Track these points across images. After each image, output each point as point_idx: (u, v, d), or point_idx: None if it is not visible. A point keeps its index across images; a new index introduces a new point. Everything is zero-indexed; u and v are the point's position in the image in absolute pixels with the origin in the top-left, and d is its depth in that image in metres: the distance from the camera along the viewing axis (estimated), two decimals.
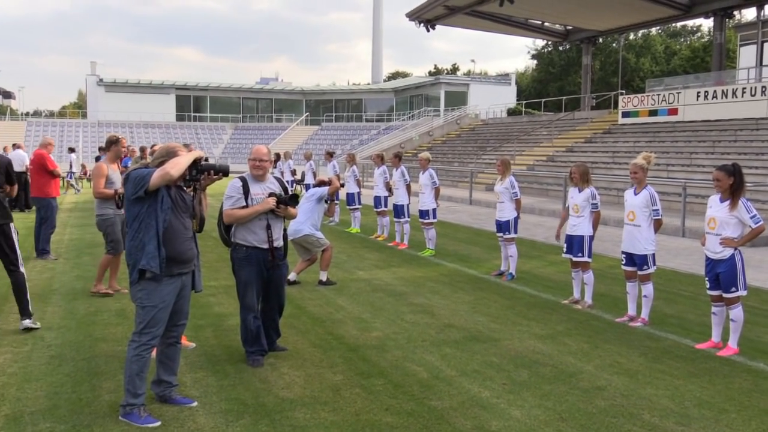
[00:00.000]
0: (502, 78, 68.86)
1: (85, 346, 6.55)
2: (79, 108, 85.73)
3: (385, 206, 14.80)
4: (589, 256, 8.58)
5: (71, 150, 29.87)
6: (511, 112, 51.99)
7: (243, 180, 6.10)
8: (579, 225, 8.56)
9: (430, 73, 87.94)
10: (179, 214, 4.83)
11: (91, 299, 8.55)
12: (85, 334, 6.99)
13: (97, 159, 22.21)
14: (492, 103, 51.21)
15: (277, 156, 23.26)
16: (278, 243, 6.18)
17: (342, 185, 10.37)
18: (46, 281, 9.75)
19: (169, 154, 4.80)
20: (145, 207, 4.67)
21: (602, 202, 8.85)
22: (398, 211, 13.74)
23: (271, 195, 6.09)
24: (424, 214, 12.82)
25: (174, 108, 65.72)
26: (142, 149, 10.88)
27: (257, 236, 6.06)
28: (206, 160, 5.37)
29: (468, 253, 12.97)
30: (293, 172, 23.29)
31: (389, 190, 14.38)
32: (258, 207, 6.01)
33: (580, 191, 8.59)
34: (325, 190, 9.72)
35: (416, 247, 13.36)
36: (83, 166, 34.93)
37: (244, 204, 6.02)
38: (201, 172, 4.97)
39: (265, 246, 6.07)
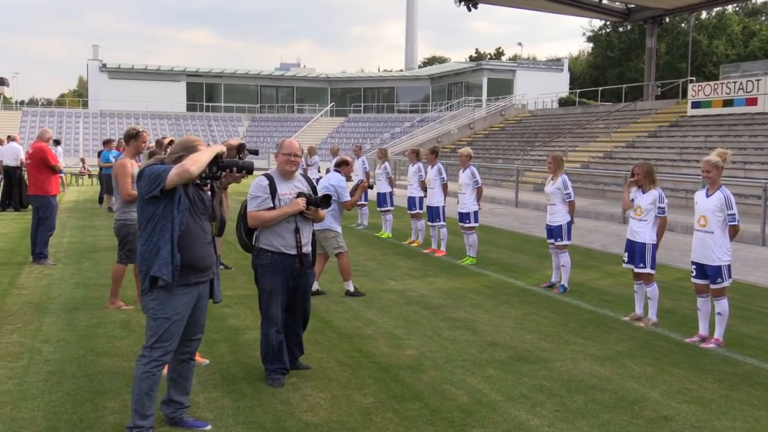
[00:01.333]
0: (553, 63, 68.49)
1: (87, 362, 6.65)
2: (80, 96, 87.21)
3: (420, 208, 14.81)
4: (653, 267, 8.49)
5: (57, 142, 30.14)
6: (564, 102, 51.63)
7: (269, 178, 6.13)
8: (642, 231, 8.46)
9: (471, 58, 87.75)
10: (197, 216, 4.86)
11: (93, 310, 8.68)
12: (86, 348, 7.10)
13: (100, 154, 22.61)
14: (541, 91, 50.96)
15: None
16: (307, 249, 6.22)
17: (371, 186, 10.31)
18: (44, 289, 9.93)
19: (187, 149, 4.83)
20: (160, 208, 4.70)
21: (668, 205, 8.73)
22: (432, 213, 13.74)
23: (300, 195, 6.13)
24: (464, 217, 12.79)
25: (184, 97, 66.56)
26: (159, 142, 10.96)
27: (284, 241, 6.10)
28: (256, 152, 5.34)
29: (514, 262, 12.93)
30: (317, 169, 23.35)
31: (425, 189, 14.39)
32: (287, 209, 6.05)
33: (643, 192, 8.49)
34: (346, 194, 9.52)
35: (455, 254, 13.34)
36: (83, 161, 35.38)
37: (271, 205, 6.06)
38: (222, 169, 4.97)
39: (293, 252, 6.11)
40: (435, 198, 13.70)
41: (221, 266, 11.27)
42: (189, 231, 4.76)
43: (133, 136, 8.78)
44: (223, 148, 4.98)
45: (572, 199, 10.46)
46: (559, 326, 8.34)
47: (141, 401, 4.77)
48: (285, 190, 6.14)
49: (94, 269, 11.39)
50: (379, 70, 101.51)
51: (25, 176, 16.28)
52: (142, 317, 6.32)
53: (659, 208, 8.42)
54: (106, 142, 21.97)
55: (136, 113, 60.99)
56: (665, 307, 9.08)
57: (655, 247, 8.48)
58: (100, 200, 22.26)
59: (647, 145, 29.88)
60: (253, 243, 6.24)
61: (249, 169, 5.07)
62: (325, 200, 6.21)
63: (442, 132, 47.24)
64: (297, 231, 6.11)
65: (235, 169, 5.02)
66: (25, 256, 12.30)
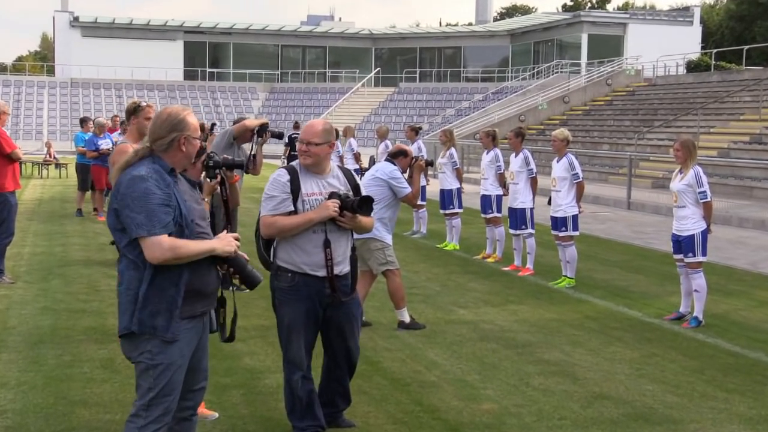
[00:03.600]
0: (679, 14, 67.71)
1: (57, 413, 6.73)
2: (43, 60, 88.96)
3: (499, 211, 14.75)
4: None
5: None
6: (694, 67, 51.09)
7: (291, 172, 6.13)
8: None
9: (566, 8, 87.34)
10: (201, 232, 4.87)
11: (64, 344, 8.79)
12: (56, 394, 7.19)
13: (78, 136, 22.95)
14: (663, 52, 50.38)
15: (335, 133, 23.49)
16: (341, 269, 6.20)
17: (430, 163, 10.17)
18: (0, 315, 10.09)
19: (176, 126, 4.76)
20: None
21: None
22: (516, 218, 13.65)
23: (332, 196, 6.09)
24: (559, 223, 12.69)
25: (182, 61, 67.40)
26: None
27: (309, 258, 6.07)
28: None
29: (627, 285, 12.83)
30: (357, 157, 23.43)
31: (504, 185, 14.32)
32: (312, 214, 6.01)
33: None
34: (404, 185, 9.40)
35: (546, 273, 13.29)
36: (48, 146, 35.94)
37: (292, 208, 6.05)
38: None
39: (322, 273, 6.08)
40: (519, 197, 13.61)
41: (233, 287, 11.35)
42: None
43: (133, 112, 8.72)
44: (223, 246, 4.85)
45: (708, 199, 10.32)
46: (692, 374, 8.24)
47: None
48: (312, 188, 6.11)
49: (65, 289, 11.56)
50: (440, 24, 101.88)
51: None
52: None
53: None
54: (83, 121, 22.23)
55: (118, 82, 61.94)
56: None
57: None
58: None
59: None
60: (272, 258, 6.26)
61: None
62: (364, 204, 6.08)
63: (527, 108, 47.09)
64: (327, 245, 6.06)
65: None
66: None
